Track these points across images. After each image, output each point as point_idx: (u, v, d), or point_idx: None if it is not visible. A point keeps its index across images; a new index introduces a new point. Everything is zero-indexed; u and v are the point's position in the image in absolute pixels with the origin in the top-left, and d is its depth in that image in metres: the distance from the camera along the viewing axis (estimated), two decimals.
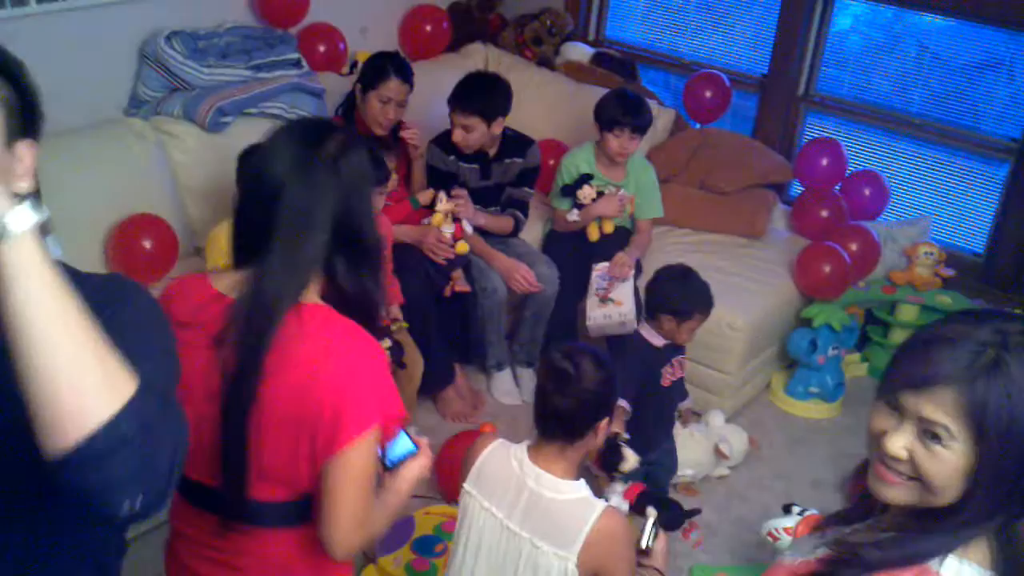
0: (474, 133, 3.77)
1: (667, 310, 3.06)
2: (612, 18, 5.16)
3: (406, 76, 3.79)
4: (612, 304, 3.86)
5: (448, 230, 3.76)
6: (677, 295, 3.07)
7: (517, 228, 4.06)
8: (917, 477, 1.30)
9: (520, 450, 2.21)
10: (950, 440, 1.26)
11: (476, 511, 2.22)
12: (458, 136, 3.79)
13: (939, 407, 1.26)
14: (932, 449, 1.28)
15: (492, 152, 3.94)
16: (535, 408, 2.21)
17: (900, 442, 1.30)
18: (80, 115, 3.62)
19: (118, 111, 3.82)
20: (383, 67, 3.76)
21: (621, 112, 3.87)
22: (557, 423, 2.17)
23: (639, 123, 3.89)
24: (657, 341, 3.12)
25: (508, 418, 3.88)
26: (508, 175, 3.98)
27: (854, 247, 4.04)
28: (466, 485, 2.24)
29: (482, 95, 3.77)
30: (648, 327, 3.14)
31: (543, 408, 2.19)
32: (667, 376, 3.17)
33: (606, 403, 2.21)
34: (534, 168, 4.03)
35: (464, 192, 3.85)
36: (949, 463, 1.27)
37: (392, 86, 3.74)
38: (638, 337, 3.18)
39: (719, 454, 3.60)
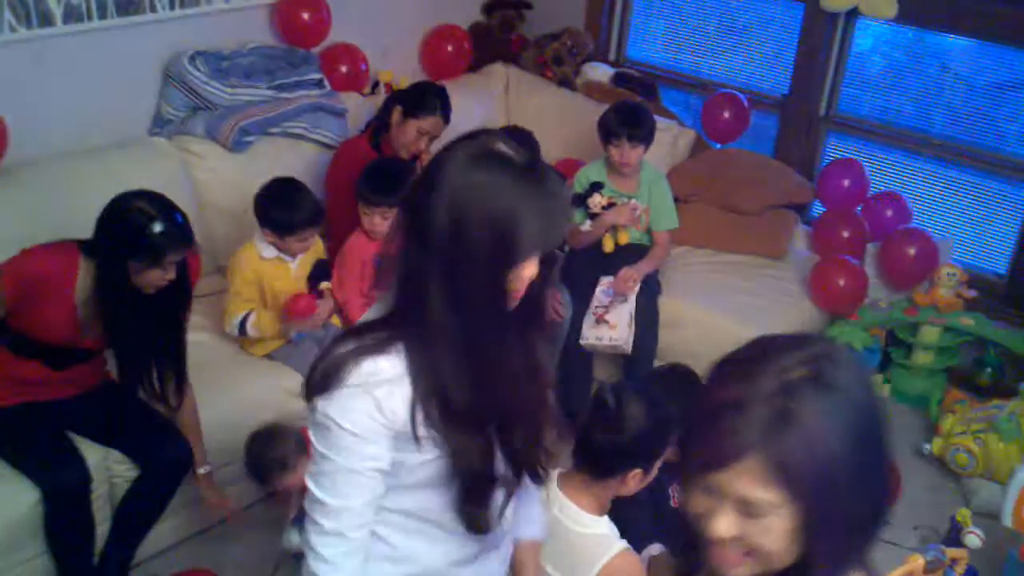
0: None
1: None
2: (633, 38, 5.17)
3: (448, 114, 3.84)
4: (606, 326, 3.87)
5: None
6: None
7: (551, 261, 4.03)
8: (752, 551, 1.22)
9: (551, 476, 2.19)
10: (772, 508, 1.18)
11: None
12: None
13: (749, 481, 1.17)
14: (758, 523, 1.19)
15: None
16: (576, 433, 2.19)
17: (724, 525, 1.21)
18: (105, 134, 3.66)
19: (142, 130, 3.85)
20: (431, 102, 3.79)
21: (617, 123, 3.90)
22: (589, 456, 2.15)
23: (636, 132, 3.89)
24: None
25: None
26: None
27: (912, 251, 4.09)
28: None
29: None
30: None
31: (580, 435, 2.17)
32: (676, 496, 2.90)
33: (644, 454, 2.16)
34: None
35: None
36: (779, 530, 1.19)
37: (434, 121, 3.80)
38: None
39: None
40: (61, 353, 2.82)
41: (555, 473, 2.19)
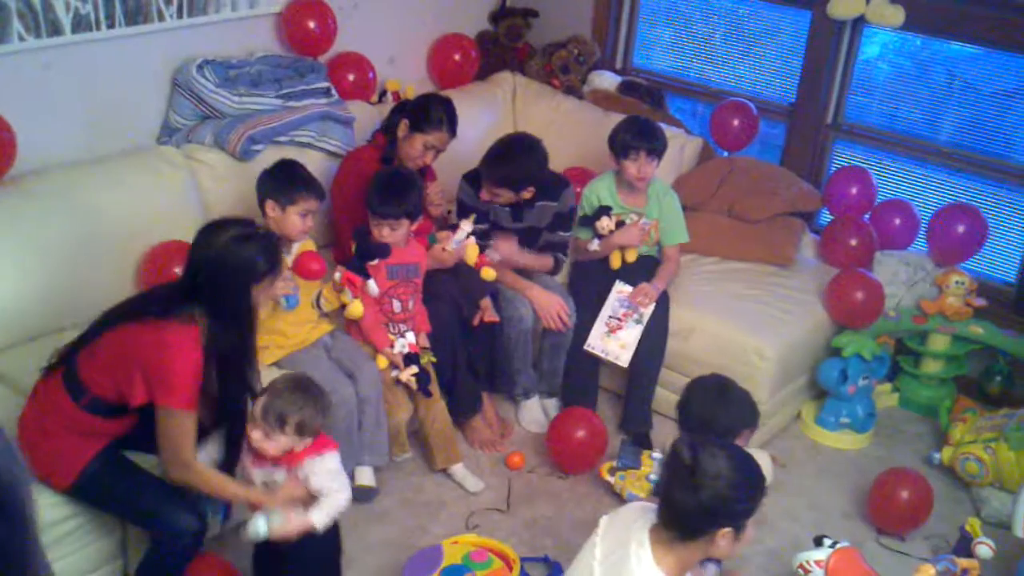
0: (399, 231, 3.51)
1: (710, 432, 2.61)
2: (639, 47, 5.17)
3: (454, 128, 3.84)
4: (616, 343, 3.90)
5: (459, 238, 3.73)
6: (718, 414, 2.70)
7: (556, 268, 4.04)
8: None
9: (652, 516, 2.18)
10: None
11: (590, 543, 2.26)
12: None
13: None
14: None
15: (528, 196, 3.88)
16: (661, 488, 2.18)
17: None
18: (113, 142, 3.67)
19: (150, 139, 3.85)
20: (437, 116, 3.78)
21: (633, 136, 3.89)
22: (671, 515, 2.10)
23: (653, 145, 3.90)
24: None
25: (536, 447, 3.87)
26: (542, 219, 3.97)
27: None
28: (603, 519, 2.29)
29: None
30: None
31: (662, 491, 2.14)
32: None
33: (729, 513, 2.09)
34: (569, 211, 4.00)
35: (510, 241, 3.86)
36: None
37: (440, 135, 3.80)
38: None
39: None
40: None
41: (655, 513, 2.17)
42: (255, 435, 2.62)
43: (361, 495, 3.47)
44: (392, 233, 3.47)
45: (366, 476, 3.51)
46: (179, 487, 2.70)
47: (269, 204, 3.29)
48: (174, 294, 2.66)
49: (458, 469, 3.67)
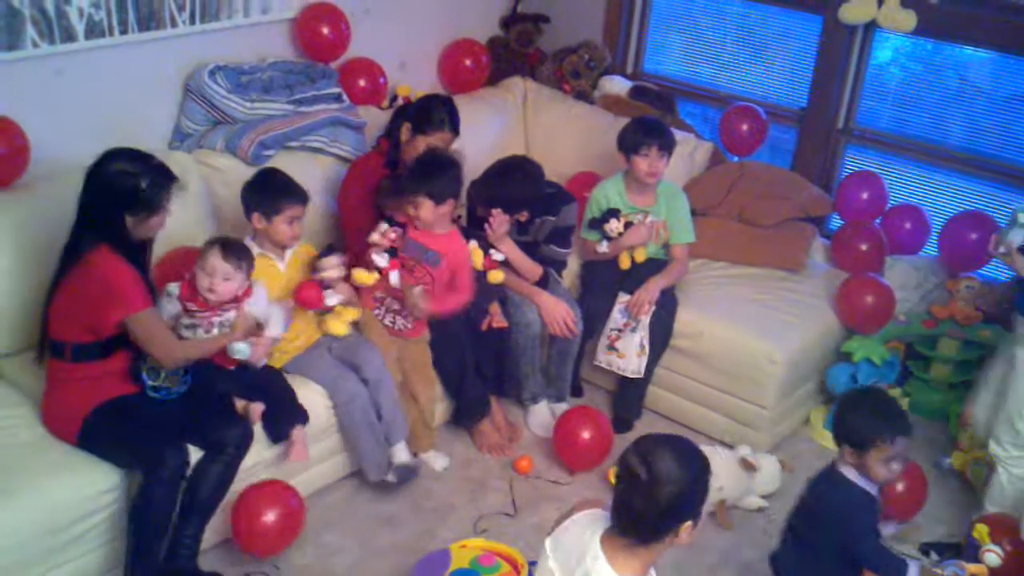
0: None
1: (846, 440, 2.64)
2: (650, 52, 5.18)
3: (457, 128, 3.84)
4: (616, 355, 3.97)
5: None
6: (852, 421, 2.64)
7: (544, 282, 3.99)
8: None
9: (600, 524, 2.18)
10: None
11: (544, 568, 2.25)
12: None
13: None
14: None
15: (522, 219, 3.89)
16: (613, 497, 2.16)
17: None
18: None
19: (162, 144, 3.88)
20: (440, 118, 3.78)
21: (644, 133, 3.94)
22: (630, 522, 2.10)
23: (664, 141, 3.95)
24: (870, 487, 2.66)
25: (544, 451, 3.88)
26: (541, 233, 3.99)
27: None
28: (547, 541, 2.27)
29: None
30: (850, 468, 2.66)
31: (616, 500, 2.13)
32: None
33: (689, 507, 2.09)
34: (566, 228, 4.02)
35: (503, 216, 3.79)
36: None
37: (442, 136, 3.79)
38: (856, 491, 2.65)
39: (747, 466, 3.57)
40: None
41: (605, 522, 2.18)
42: (212, 282, 3.00)
43: (403, 474, 3.52)
44: (417, 211, 3.47)
45: (403, 454, 3.54)
46: (163, 431, 2.96)
47: (255, 216, 3.34)
48: (77, 231, 2.93)
49: (430, 456, 3.76)
